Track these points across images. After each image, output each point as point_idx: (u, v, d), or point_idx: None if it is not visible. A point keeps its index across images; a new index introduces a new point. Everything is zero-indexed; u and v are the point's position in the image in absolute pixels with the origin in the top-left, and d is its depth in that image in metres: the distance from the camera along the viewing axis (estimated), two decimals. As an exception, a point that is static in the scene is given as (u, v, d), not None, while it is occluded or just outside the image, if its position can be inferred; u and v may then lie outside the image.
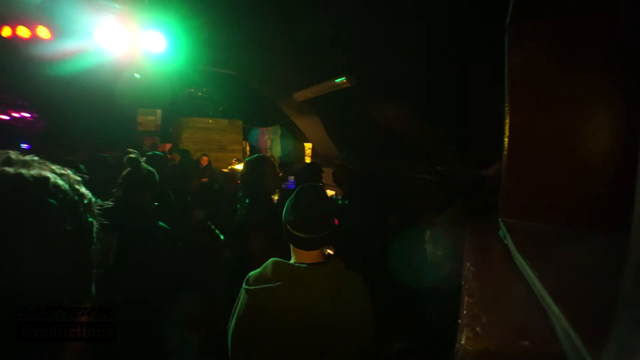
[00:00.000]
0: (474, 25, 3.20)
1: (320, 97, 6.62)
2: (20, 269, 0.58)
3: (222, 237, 4.28)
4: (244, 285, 1.68)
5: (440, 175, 5.18)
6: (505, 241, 1.14)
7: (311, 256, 1.74)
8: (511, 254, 1.01)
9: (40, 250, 0.60)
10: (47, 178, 0.65)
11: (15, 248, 0.58)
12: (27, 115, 14.55)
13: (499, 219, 1.37)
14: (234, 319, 1.67)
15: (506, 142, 1.40)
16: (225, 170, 9.88)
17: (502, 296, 0.82)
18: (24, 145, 11.90)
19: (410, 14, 3.76)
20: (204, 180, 7.51)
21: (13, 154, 0.68)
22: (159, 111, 12.73)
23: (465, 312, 0.72)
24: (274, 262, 1.71)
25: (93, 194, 0.75)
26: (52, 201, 0.63)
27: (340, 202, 4.21)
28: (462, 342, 0.62)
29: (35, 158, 0.71)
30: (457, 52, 3.72)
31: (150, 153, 4.05)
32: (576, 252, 0.97)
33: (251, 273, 1.72)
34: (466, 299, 0.78)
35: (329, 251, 4.08)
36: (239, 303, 1.68)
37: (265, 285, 1.62)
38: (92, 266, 0.71)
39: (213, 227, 4.37)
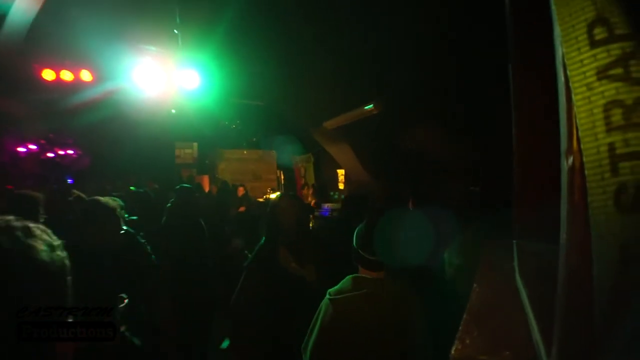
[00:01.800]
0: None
1: (351, 123, 6.78)
2: None
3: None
4: (327, 297, 1.91)
5: (472, 196, 5.18)
6: (514, 263, 1.22)
7: (378, 276, 1.94)
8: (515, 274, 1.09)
9: None
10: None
11: None
12: (72, 152, 15.39)
13: (513, 241, 1.44)
14: (316, 329, 1.87)
15: (515, 166, 1.48)
16: (261, 199, 10.08)
17: (497, 313, 0.90)
18: (69, 181, 12.63)
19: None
20: (241, 209, 7.72)
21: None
22: (195, 144, 13.23)
23: (461, 327, 0.81)
24: (353, 277, 1.95)
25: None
26: None
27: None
28: (452, 352, 0.71)
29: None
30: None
31: (178, 187, 4.27)
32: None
33: (331, 289, 1.95)
34: (465, 316, 0.87)
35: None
36: (321, 315, 1.89)
37: (348, 294, 1.85)
38: None
39: (250, 255, 4.50)
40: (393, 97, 5.51)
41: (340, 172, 10.50)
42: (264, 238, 2.92)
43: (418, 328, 1.85)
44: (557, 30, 0.51)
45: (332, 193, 10.63)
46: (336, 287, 1.94)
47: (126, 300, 2.02)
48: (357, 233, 2.03)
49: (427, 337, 1.89)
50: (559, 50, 0.51)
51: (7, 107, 7.07)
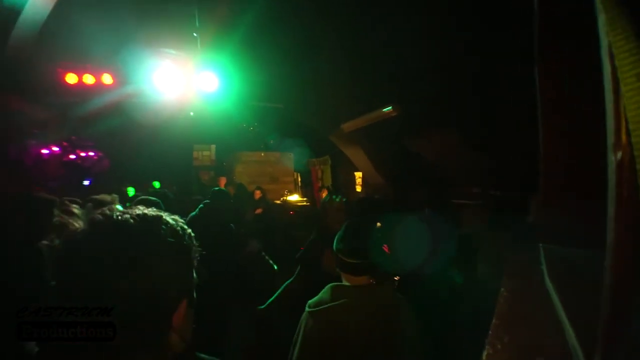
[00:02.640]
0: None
1: (369, 126, 6.74)
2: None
3: (275, 267, 4.39)
4: (306, 310, 1.82)
5: (493, 200, 5.11)
6: (542, 267, 1.18)
7: (360, 281, 1.84)
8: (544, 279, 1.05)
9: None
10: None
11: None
12: (92, 154, 15.65)
13: (539, 245, 1.40)
14: (297, 344, 1.78)
15: (541, 170, 1.45)
16: (278, 202, 10.09)
17: (526, 318, 0.87)
18: (86, 182, 12.88)
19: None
20: (258, 211, 7.74)
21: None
22: (213, 146, 13.30)
23: (490, 332, 0.78)
24: (333, 286, 1.85)
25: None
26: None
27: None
28: (484, 357, 0.69)
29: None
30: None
31: (217, 189, 4.27)
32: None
33: (311, 300, 1.85)
34: (494, 320, 0.84)
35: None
36: (302, 328, 1.80)
37: (327, 306, 1.75)
38: None
39: (267, 257, 4.49)
40: (412, 99, 5.46)
41: (358, 175, 10.44)
42: (314, 234, 3.04)
43: (408, 336, 1.73)
44: (602, 19, 0.48)
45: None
46: (315, 299, 1.85)
47: None
48: (336, 237, 1.94)
49: (419, 344, 1.76)
50: (604, 40, 0.49)
51: (31, 111, 7.21)
